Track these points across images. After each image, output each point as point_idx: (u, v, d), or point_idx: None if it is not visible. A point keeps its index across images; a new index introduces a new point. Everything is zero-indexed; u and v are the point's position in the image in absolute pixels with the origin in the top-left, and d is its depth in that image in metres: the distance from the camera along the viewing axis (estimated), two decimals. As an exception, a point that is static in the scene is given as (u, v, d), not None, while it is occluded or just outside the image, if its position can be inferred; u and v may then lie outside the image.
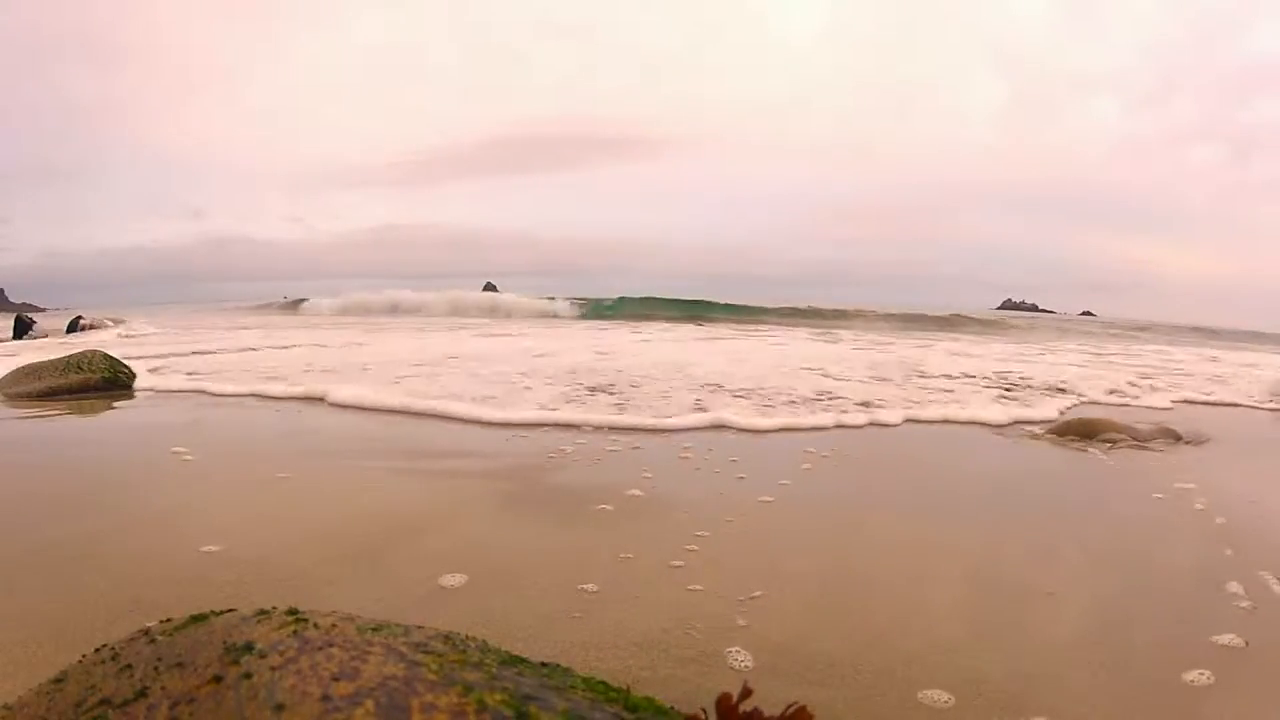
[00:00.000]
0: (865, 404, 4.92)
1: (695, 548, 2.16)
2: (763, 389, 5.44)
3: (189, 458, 3.13)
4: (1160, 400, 5.91)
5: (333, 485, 2.85)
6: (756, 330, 16.60)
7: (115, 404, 4.70)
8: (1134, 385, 6.81)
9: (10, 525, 2.26)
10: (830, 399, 5.10)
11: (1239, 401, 6.06)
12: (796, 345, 11.04)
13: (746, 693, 0.78)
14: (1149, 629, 1.74)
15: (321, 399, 4.75)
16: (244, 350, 8.48)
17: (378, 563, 2.01)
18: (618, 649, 1.56)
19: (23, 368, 5.34)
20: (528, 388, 5.24)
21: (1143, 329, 26.53)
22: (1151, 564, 2.20)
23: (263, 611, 0.89)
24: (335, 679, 0.70)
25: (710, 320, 21.57)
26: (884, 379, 6.42)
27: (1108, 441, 3.96)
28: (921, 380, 6.47)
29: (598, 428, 3.95)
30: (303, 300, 29.88)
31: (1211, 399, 6.16)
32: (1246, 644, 1.66)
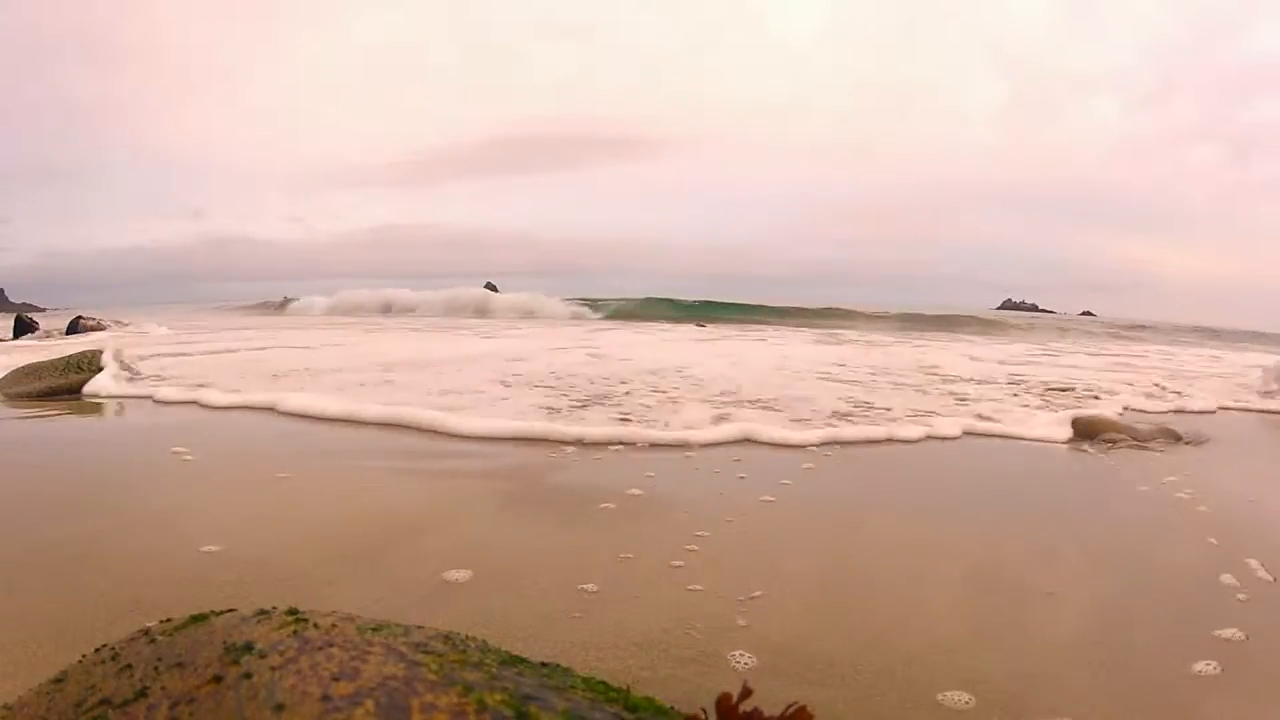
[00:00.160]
0: (908, 417, 4.38)
1: (695, 547, 2.16)
2: (780, 398, 4.95)
3: (189, 458, 3.13)
4: (1204, 403, 5.64)
5: (333, 485, 2.85)
6: (759, 331, 16.59)
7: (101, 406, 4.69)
8: (1159, 387, 6.55)
9: (10, 525, 2.25)
10: (869, 409, 4.64)
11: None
12: (809, 349, 10.83)
13: (746, 693, 0.77)
14: (1149, 628, 1.74)
15: (272, 409, 4.31)
16: (222, 352, 8.23)
17: (378, 563, 2.00)
18: (618, 649, 1.56)
19: (23, 368, 5.34)
20: (504, 398, 4.73)
21: (1143, 328, 26.54)
22: (1152, 564, 2.20)
23: (263, 611, 0.89)
24: (335, 679, 0.70)
25: (712, 320, 21.53)
26: (920, 389, 5.87)
27: (1108, 442, 3.96)
28: (948, 387, 6.07)
29: (598, 442, 3.54)
30: (291, 300, 29.75)
31: (1252, 406, 5.78)
32: (1247, 637, 1.66)
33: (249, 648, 0.78)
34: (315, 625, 0.83)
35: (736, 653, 1.55)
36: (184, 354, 7.89)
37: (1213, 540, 2.34)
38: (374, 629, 0.85)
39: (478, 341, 10.68)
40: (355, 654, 0.75)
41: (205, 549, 2.04)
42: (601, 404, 4.60)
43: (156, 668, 0.79)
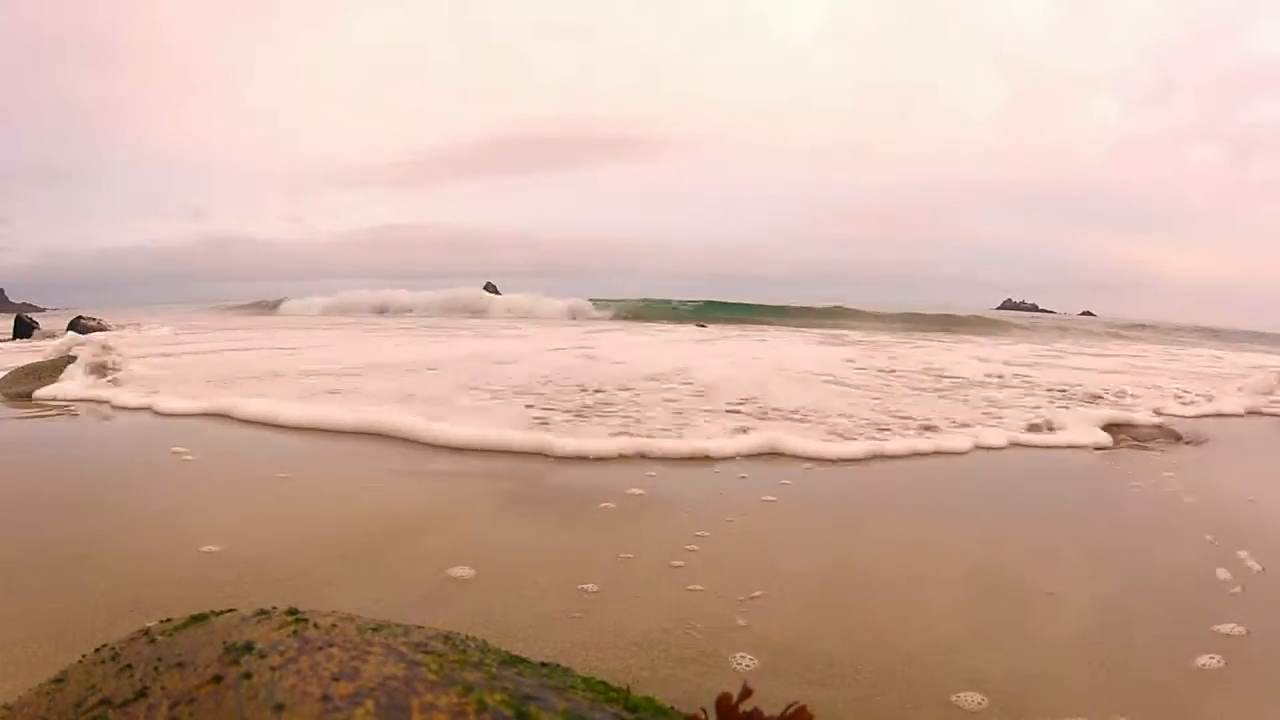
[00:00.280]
0: (931, 426, 4.15)
1: (696, 548, 2.16)
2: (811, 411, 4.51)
3: (189, 458, 3.13)
4: (1233, 405, 5.51)
5: (333, 485, 2.85)
6: (760, 331, 16.57)
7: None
8: (1186, 391, 6.37)
9: (10, 525, 2.25)
10: (902, 418, 4.36)
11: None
12: (813, 349, 10.71)
13: (746, 693, 0.77)
14: (1149, 628, 1.74)
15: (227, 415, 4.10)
16: (203, 353, 8.11)
17: (378, 563, 2.00)
18: (618, 649, 1.56)
19: (23, 368, 5.35)
20: (494, 399, 4.54)
21: (1143, 327, 26.53)
22: (1151, 563, 2.20)
23: (263, 611, 0.89)
24: (335, 679, 0.70)
25: (712, 321, 21.50)
26: (943, 394, 5.62)
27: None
28: (968, 392, 5.81)
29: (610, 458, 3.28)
30: (282, 300, 29.73)
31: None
32: (1248, 632, 1.67)
33: (249, 648, 0.78)
34: (315, 625, 0.83)
35: (737, 653, 1.55)
36: (168, 354, 7.79)
37: (1213, 540, 2.34)
38: (374, 629, 0.85)
39: (473, 341, 10.66)
40: (355, 654, 0.75)
41: (205, 549, 2.04)
42: (601, 415, 4.18)
43: (156, 668, 0.79)
